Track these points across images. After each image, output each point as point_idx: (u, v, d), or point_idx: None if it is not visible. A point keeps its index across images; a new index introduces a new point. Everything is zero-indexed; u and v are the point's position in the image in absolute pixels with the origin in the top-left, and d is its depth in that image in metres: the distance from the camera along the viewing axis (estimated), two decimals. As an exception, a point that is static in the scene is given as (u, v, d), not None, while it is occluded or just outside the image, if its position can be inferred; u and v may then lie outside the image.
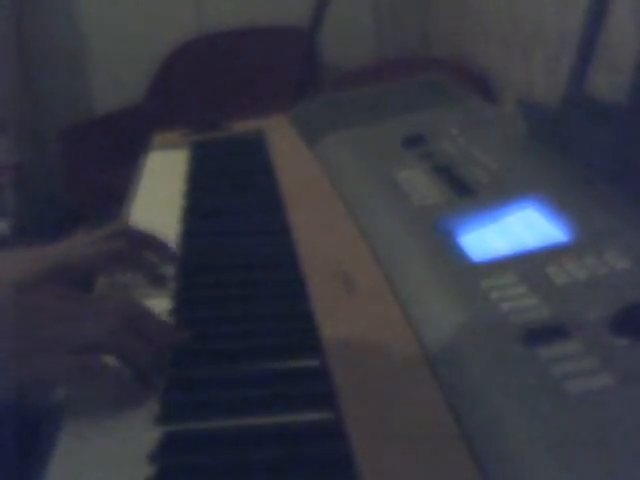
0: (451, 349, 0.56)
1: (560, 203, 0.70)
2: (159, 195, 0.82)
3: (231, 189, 1.04)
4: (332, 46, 2.82)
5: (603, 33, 0.87)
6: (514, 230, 0.71)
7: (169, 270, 0.78)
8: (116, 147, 2.94)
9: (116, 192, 1.10)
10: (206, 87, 3.14)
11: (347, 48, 3.06)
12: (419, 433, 0.51)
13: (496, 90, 2.41)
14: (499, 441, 0.47)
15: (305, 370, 0.60)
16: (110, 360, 0.60)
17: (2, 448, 0.62)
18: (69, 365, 0.59)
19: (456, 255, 0.67)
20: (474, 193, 0.78)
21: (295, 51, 2.25)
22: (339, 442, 0.50)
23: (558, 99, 0.89)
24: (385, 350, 0.61)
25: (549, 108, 0.92)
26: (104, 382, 0.58)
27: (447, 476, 0.47)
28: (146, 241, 0.80)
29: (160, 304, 0.70)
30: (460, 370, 0.54)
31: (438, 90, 1.22)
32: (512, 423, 0.47)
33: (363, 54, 3.08)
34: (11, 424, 0.65)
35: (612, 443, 0.43)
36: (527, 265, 0.62)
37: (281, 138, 1.21)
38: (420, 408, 0.53)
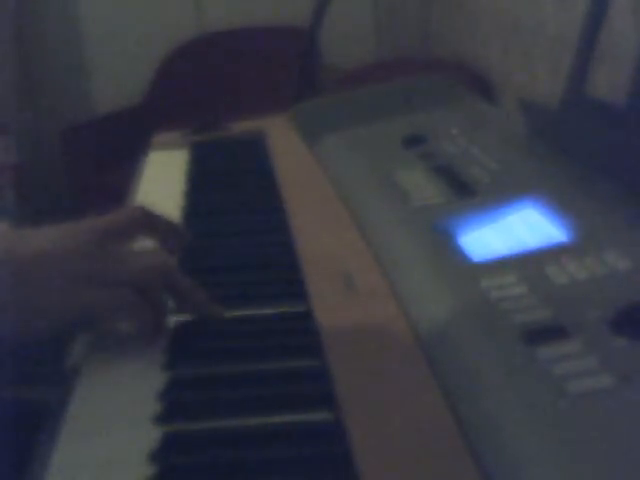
0: (451, 349, 0.56)
1: (560, 203, 0.70)
2: (159, 195, 0.82)
3: (231, 189, 1.04)
4: (332, 46, 2.82)
5: (603, 33, 0.87)
6: (514, 230, 0.71)
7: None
8: (116, 147, 2.94)
9: (116, 192, 1.10)
10: (206, 87, 3.14)
11: (347, 48, 3.07)
12: (419, 433, 0.51)
13: (496, 90, 2.41)
14: (499, 441, 0.47)
15: (305, 370, 0.60)
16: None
17: (2, 448, 0.62)
18: (94, 297, 0.61)
19: (456, 255, 0.67)
20: (474, 193, 0.78)
21: (295, 51, 2.24)
22: (339, 442, 0.50)
23: (558, 99, 0.89)
24: (385, 350, 0.61)
25: (549, 108, 0.92)
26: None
27: (447, 476, 0.47)
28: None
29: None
30: (460, 370, 0.54)
31: (438, 90, 1.22)
32: (512, 423, 0.47)
33: (363, 54, 3.09)
34: (11, 424, 0.66)
35: (612, 443, 0.43)
36: (527, 265, 0.62)
37: (281, 138, 1.20)
38: (420, 408, 0.53)
